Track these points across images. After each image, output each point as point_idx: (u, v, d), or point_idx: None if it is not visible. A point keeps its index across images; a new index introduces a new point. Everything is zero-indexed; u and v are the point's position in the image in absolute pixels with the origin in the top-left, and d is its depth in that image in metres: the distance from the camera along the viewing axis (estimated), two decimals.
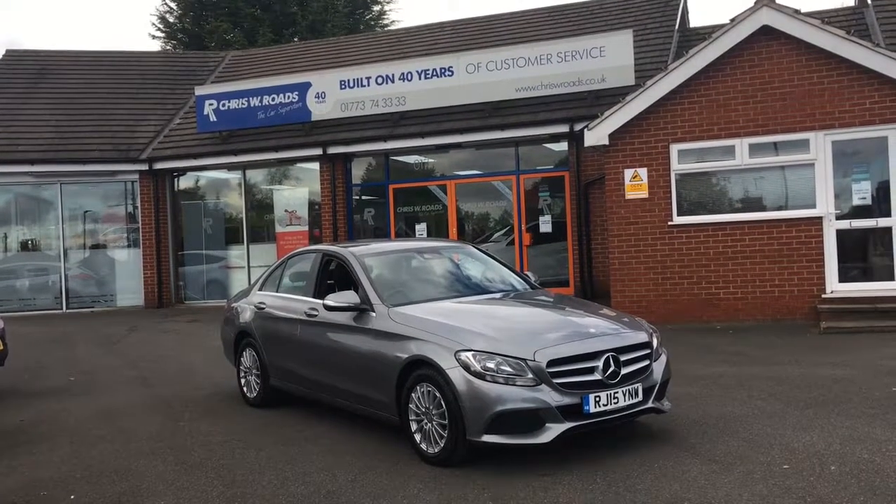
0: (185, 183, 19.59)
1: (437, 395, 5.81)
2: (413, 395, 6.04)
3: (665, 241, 12.32)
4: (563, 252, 15.65)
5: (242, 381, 8.47)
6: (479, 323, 6.14)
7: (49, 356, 12.42)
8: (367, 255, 7.31)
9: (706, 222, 12.14)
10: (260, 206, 18.96)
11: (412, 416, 6.08)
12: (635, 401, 5.91)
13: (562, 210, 15.70)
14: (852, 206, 11.65)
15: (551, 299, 7.10)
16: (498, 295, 7.19)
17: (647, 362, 6.09)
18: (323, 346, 7.10)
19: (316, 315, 7.23)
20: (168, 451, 6.73)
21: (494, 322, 6.21)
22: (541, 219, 15.91)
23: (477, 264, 7.78)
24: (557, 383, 5.61)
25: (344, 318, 6.85)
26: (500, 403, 5.53)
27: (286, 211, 18.31)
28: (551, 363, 5.63)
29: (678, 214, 12.33)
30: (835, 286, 11.58)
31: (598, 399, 5.70)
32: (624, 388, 5.82)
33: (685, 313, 12.24)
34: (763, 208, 12.02)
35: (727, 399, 7.33)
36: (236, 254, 18.92)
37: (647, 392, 6.04)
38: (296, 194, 18.52)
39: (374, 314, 6.60)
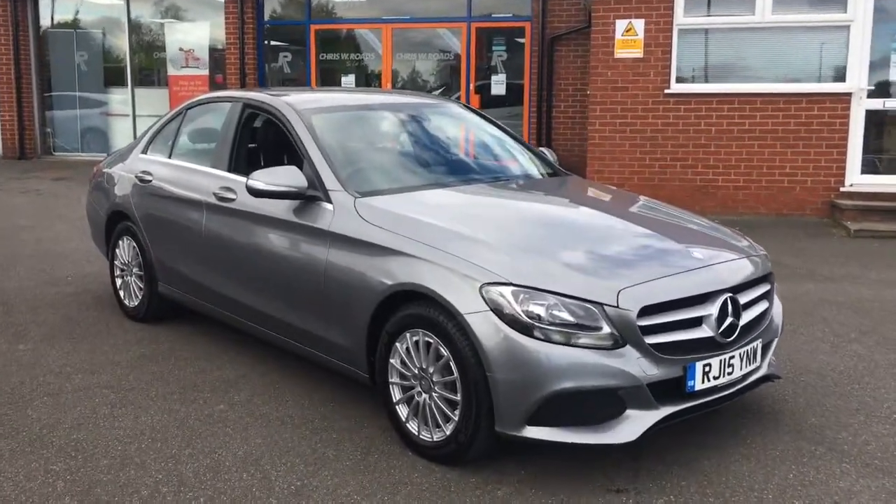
0: (53, 8, 15.89)
1: (444, 352, 3.49)
2: (398, 345, 3.70)
3: (658, 112, 10.05)
4: (517, 118, 13.21)
5: (118, 281, 5.92)
6: (513, 234, 3.77)
7: None
8: (314, 109, 4.72)
9: (710, 92, 9.91)
10: (149, 43, 15.59)
11: (395, 378, 3.77)
12: (752, 367, 3.76)
13: (519, 69, 13.16)
14: (889, 82, 9.62)
15: (604, 193, 4.78)
16: (517, 183, 4.80)
17: (766, 304, 3.91)
18: (243, 247, 4.61)
19: (233, 200, 4.69)
20: None
21: (536, 233, 3.85)
22: (493, 78, 13.34)
23: (474, 132, 5.31)
24: (650, 344, 3.36)
25: (279, 208, 4.35)
26: (558, 378, 3.26)
27: (181, 49, 15.06)
28: (644, 312, 3.36)
29: (677, 81, 10.03)
30: (855, 178, 9.67)
31: (707, 369, 3.50)
32: (741, 349, 3.64)
33: (674, 201, 10.05)
34: (781, 79, 9.84)
35: (809, 339, 5.30)
36: (119, 99, 15.65)
37: (764, 351, 3.90)
38: (194, 30, 15.18)
39: (330, 207, 4.12)
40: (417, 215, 3.89)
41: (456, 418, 3.49)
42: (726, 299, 3.55)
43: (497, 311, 3.33)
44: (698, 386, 3.48)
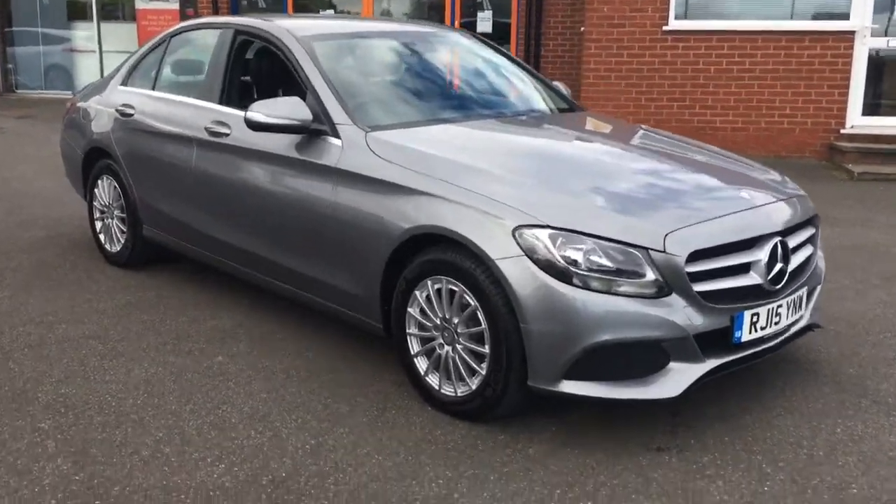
0: None
1: (470, 300, 3.20)
2: (417, 293, 3.40)
3: (656, 50, 9.70)
4: None
5: (98, 224, 5.53)
6: (543, 173, 3.45)
7: None
8: (314, 36, 4.32)
9: (710, 29, 9.56)
10: None
11: (413, 329, 3.47)
12: (797, 315, 3.52)
13: (506, 5, 12.67)
14: (892, 20, 9.34)
15: (630, 129, 4.47)
16: (535, 117, 4.47)
17: (811, 249, 3.65)
18: (238, 186, 4.25)
19: (227, 135, 4.31)
20: None
21: (567, 172, 3.53)
22: (479, 15, 12.82)
23: (485, 64, 4.93)
24: (697, 293, 3.09)
25: (280, 144, 3.99)
26: (599, 329, 2.99)
27: None
28: (692, 257, 3.08)
29: (676, 18, 9.67)
30: (856, 120, 9.44)
31: (755, 319, 3.25)
32: (788, 297, 3.39)
33: None
34: (784, 16, 9.51)
35: (832, 286, 5.05)
36: (84, 34, 14.94)
37: (808, 298, 3.65)
38: None
39: (338, 142, 3.77)
40: (437, 151, 3.56)
41: (483, 372, 3.21)
42: (776, 244, 3.29)
43: (531, 254, 3.03)
44: (745, 337, 3.23)
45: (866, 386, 3.70)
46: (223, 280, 4.97)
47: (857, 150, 8.99)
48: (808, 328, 3.68)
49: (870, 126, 9.37)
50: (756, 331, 3.26)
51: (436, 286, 3.33)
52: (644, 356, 3.07)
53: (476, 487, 2.88)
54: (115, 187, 5.27)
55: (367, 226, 3.54)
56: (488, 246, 3.10)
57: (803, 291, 3.50)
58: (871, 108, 9.50)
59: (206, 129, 4.43)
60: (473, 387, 3.26)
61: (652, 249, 3.03)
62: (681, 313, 3.05)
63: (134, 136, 5.03)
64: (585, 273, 3.00)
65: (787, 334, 3.46)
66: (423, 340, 3.45)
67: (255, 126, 3.86)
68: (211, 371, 3.81)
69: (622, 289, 3.02)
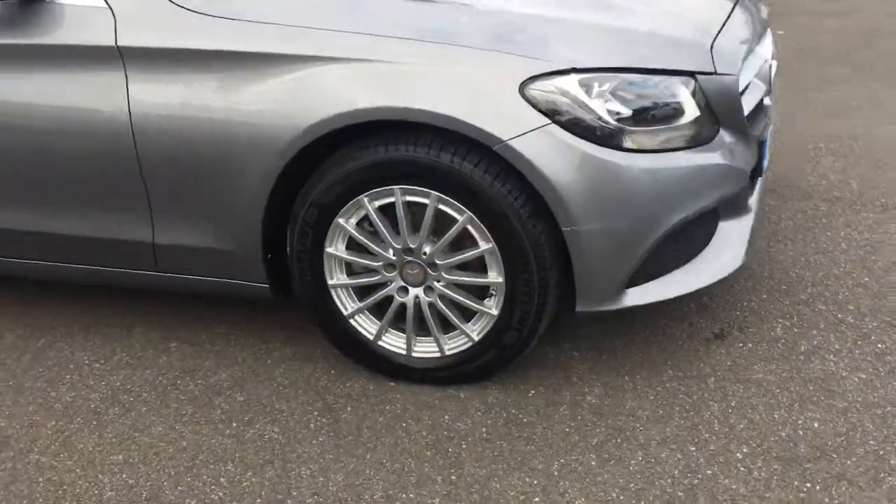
0: None
1: (454, 212, 2.02)
2: (342, 221, 2.11)
3: None
4: None
5: None
6: None
7: None
8: None
9: None
10: None
11: (338, 277, 2.20)
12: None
13: None
14: None
15: None
16: None
17: None
18: None
19: None
20: None
21: None
22: None
23: None
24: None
25: None
26: (675, 205, 2.05)
27: None
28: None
29: None
30: None
31: (770, 139, 2.55)
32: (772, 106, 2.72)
33: None
34: None
35: None
36: None
37: None
38: None
39: (92, 2, 2.13)
40: None
41: (494, 312, 2.10)
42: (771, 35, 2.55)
43: (560, 120, 1.93)
44: (765, 162, 2.51)
45: (823, 192, 3.26)
46: None
47: None
48: None
49: None
50: (766, 153, 2.56)
51: (378, 202, 2.07)
52: (700, 225, 2.21)
53: (589, 488, 1.88)
54: None
55: (216, 136, 2.07)
56: (487, 121, 1.91)
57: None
58: None
59: None
60: (476, 336, 2.15)
61: (700, 73, 2.09)
62: (737, 154, 2.20)
63: None
64: (637, 128, 1.99)
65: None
66: (363, 291, 2.21)
67: None
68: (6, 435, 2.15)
69: (669, 137, 2.07)
